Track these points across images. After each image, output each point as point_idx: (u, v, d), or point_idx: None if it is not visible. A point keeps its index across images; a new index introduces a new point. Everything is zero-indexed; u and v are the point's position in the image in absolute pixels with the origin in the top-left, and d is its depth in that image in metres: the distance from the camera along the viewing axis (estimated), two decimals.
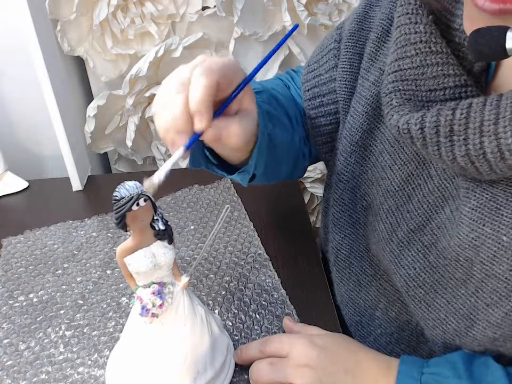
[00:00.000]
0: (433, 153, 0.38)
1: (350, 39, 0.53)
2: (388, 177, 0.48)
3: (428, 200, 0.45)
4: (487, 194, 0.38)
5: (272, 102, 0.55)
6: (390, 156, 0.48)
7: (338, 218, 0.56)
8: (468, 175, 0.39)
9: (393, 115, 0.40)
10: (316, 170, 1.08)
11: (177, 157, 0.38)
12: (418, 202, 0.45)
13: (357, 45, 0.52)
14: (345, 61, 0.54)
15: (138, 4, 0.84)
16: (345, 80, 0.54)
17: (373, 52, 0.50)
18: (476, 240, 0.39)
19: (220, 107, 0.40)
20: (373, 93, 0.48)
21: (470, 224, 0.39)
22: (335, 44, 0.56)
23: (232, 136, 0.40)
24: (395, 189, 0.47)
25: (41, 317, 0.56)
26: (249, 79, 0.41)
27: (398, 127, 0.39)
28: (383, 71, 0.46)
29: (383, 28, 0.48)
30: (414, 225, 0.46)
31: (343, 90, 0.54)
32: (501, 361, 0.42)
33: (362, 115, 0.50)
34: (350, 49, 0.53)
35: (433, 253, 0.44)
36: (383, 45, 0.49)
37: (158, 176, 0.37)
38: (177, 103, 0.38)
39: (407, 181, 0.46)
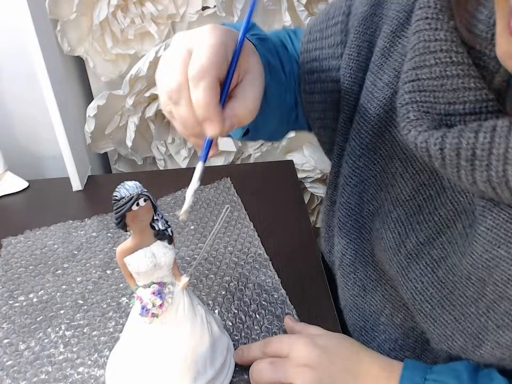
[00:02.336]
0: (451, 174, 0.36)
1: (361, 24, 0.49)
2: (398, 185, 0.46)
3: (439, 213, 0.43)
4: (504, 215, 0.36)
5: (273, 53, 0.52)
6: (401, 162, 0.45)
7: (344, 223, 0.54)
8: (486, 196, 0.37)
9: (410, 130, 0.38)
10: (316, 170, 1.08)
11: (200, 172, 0.39)
12: (429, 214, 0.44)
13: (368, 32, 0.49)
14: (353, 48, 0.50)
15: (138, 3, 0.84)
16: (350, 69, 0.50)
17: (386, 47, 0.46)
18: (490, 262, 0.37)
19: (222, 92, 0.37)
20: (386, 95, 0.46)
21: (484, 244, 0.37)
22: (343, 17, 0.52)
23: (243, 119, 0.38)
24: (405, 198, 0.45)
25: (41, 317, 0.56)
26: (238, 52, 0.38)
27: (416, 144, 0.37)
28: (398, 73, 0.44)
29: (398, 22, 0.45)
30: (423, 237, 0.44)
31: (347, 80, 0.51)
32: (504, 373, 0.42)
33: (374, 117, 0.47)
34: (360, 35, 0.49)
35: (443, 268, 0.43)
36: (397, 41, 0.45)
37: (192, 188, 0.39)
38: (183, 113, 0.37)
39: (418, 191, 0.44)
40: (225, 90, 0.37)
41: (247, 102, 0.38)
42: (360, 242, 0.53)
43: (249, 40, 0.43)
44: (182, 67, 0.36)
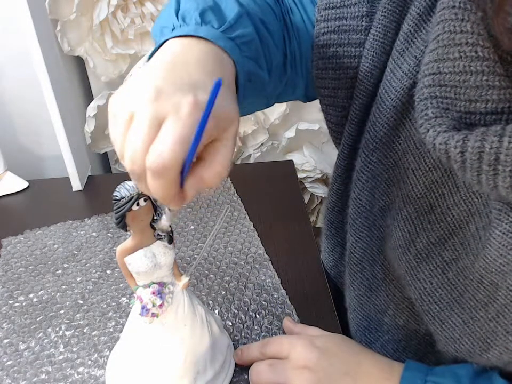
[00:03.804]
0: (471, 178, 0.34)
1: (390, 1, 0.44)
2: (409, 182, 0.44)
3: (451, 213, 0.42)
4: None
5: (259, 53, 0.45)
6: (414, 158, 0.43)
7: (354, 220, 0.53)
8: (504, 200, 0.36)
9: (428, 130, 0.36)
10: (316, 170, 1.08)
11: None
12: (441, 213, 0.42)
13: (397, 10, 0.44)
14: (379, 28, 0.45)
15: (138, 3, 0.84)
16: (374, 51, 0.46)
17: (410, 32, 0.43)
18: (504, 266, 0.36)
19: (185, 163, 0.31)
20: (404, 85, 0.43)
21: (499, 249, 0.36)
22: None
23: (211, 184, 0.34)
24: (417, 195, 0.44)
25: (41, 317, 0.56)
26: (202, 127, 0.30)
27: (434, 145, 0.36)
28: (419, 62, 0.41)
29: (426, 4, 0.42)
30: (434, 238, 0.43)
31: (368, 63, 0.47)
32: (505, 374, 0.41)
33: (390, 109, 0.44)
34: (388, 14, 0.45)
35: (453, 269, 0.42)
36: (422, 26, 0.42)
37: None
38: (143, 189, 0.34)
39: (430, 189, 0.43)
40: (190, 157, 0.31)
41: (216, 167, 0.33)
42: (369, 241, 0.52)
43: (229, 54, 0.38)
44: (142, 147, 0.31)
